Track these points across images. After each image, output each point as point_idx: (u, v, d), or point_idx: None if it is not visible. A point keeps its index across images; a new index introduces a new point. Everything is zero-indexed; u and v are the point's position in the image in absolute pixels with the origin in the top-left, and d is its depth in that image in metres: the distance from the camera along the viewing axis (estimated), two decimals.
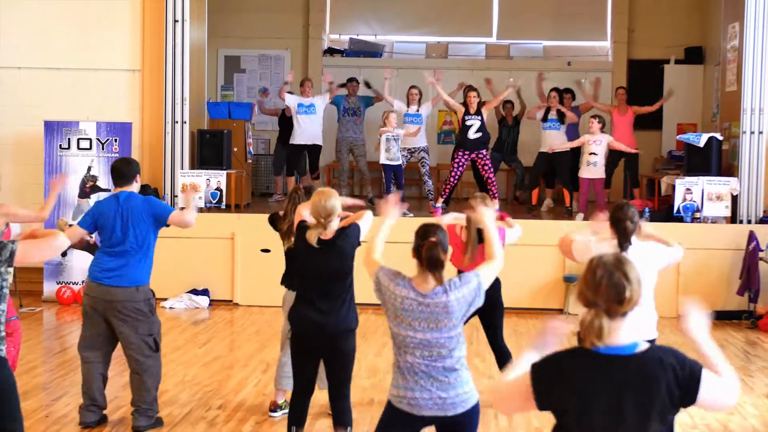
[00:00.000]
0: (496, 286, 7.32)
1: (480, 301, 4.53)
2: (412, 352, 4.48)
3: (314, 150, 13.72)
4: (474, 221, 6.78)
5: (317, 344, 5.65)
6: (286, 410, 7.00)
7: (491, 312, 7.36)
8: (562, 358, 3.23)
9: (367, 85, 14.49)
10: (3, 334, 4.72)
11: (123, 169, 6.68)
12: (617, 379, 3.12)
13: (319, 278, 5.59)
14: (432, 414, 4.47)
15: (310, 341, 5.64)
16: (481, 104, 12.43)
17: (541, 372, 3.21)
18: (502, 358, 7.49)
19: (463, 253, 7.13)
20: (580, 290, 3.23)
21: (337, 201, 5.59)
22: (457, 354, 4.51)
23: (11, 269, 4.71)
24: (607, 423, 3.12)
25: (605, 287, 3.15)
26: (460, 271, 7.15)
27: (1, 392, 4.71)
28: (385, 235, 4.92)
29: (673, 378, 3.14)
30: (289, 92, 13.60)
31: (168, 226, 6.79)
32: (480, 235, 7.07)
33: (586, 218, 12.22)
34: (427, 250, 4.48)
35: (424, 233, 4.56)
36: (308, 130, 13.47)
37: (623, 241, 5.79)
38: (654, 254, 5.91)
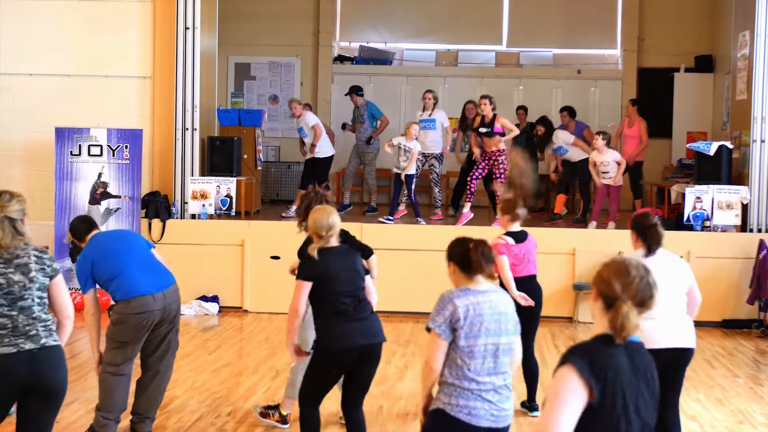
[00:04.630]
0: (538, 299, 7.30)
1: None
2: (480, 365, 4.44)
3: (313, 163, 13.33)
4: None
5: (356, 358, 5.58)
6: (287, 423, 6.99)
7: (529, 321, 7.32)
8: (594, 348, 3.28)
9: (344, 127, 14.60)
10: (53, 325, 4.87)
11: (80, 227, 6.67)
12: (637, 362, 3.28)
13: (348, 282, 5.54)
14: (486, 426, 4.42)
15: (351, 356, 5.55)
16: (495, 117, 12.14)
17: (586, 364, 3.19)
18: (529, 368, 7.45)
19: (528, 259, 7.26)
20: (606, 280, 3.32)
21: (338, 218, 5.66)
22: (510, 369, 4.57)
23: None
24: (636, 407, 3.23)
25: (637, 286, 3.28)
26: (522, 279, 7.23)
27: (57, 396, 4.82)
28: None
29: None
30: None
31: None
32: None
33: (599, 226, 12.22)
34: (477, 247, 4.54)
35: (462, 241, 4.63)
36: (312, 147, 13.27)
37: (656, 247, 5.82)
38: (686, 270, 5.95)
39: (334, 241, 5.63)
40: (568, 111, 14.05)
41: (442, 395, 4.47)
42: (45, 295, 4.80)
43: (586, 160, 13.11)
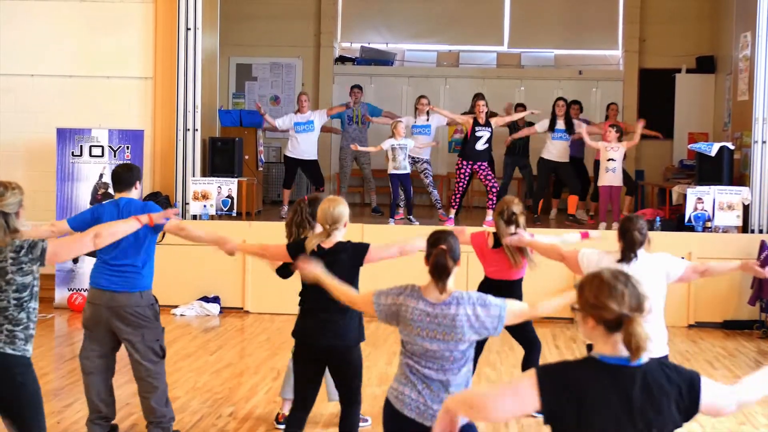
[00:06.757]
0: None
1: (495, 333, 4.42)
2: (418, 360, 4.44)
3: (310, 164, 13.26)
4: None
5: (321, 358, 5.60)
6: None
7: (518, 334, 7.28)
8: (569, 366, 3.22)
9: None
10: (32, 332, 4.73)
11: (123, 175, 6.54)
12: (623, 390, 3.11)
13: (317, 288, 5.22)
14: (411, 416, 4.40)
15: (314, 355, 5.59)
16: (490, 114, 12.40)
17: (548, 376, 3.15)
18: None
19: (510, 266, 7.10)
20: (599, 305, 3.15)
21: (345, 209, 5.57)
22: (464, 371, 4.44)
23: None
24: None
25: (630, 295, 3.14)
26: (499, 282, 7.10)
27: (30, 396, 4.72)
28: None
29: (677, 393, 3.17)
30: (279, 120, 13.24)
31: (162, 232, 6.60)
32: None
33: (608, 227, 12.18)
34: (434, 257, 4.41)
35: (435, 241, 4.49)
36: (304, 147, 13.05)
37: (628, 252, 5.73)
38: (663, 267, 5.83)
39: (337, 236, 5.56)
40: (579, 105, 14.16)
41: (393, 380, 4.60)
42: (24, 294, 4.64)
43: (563, 163, 13.11)
